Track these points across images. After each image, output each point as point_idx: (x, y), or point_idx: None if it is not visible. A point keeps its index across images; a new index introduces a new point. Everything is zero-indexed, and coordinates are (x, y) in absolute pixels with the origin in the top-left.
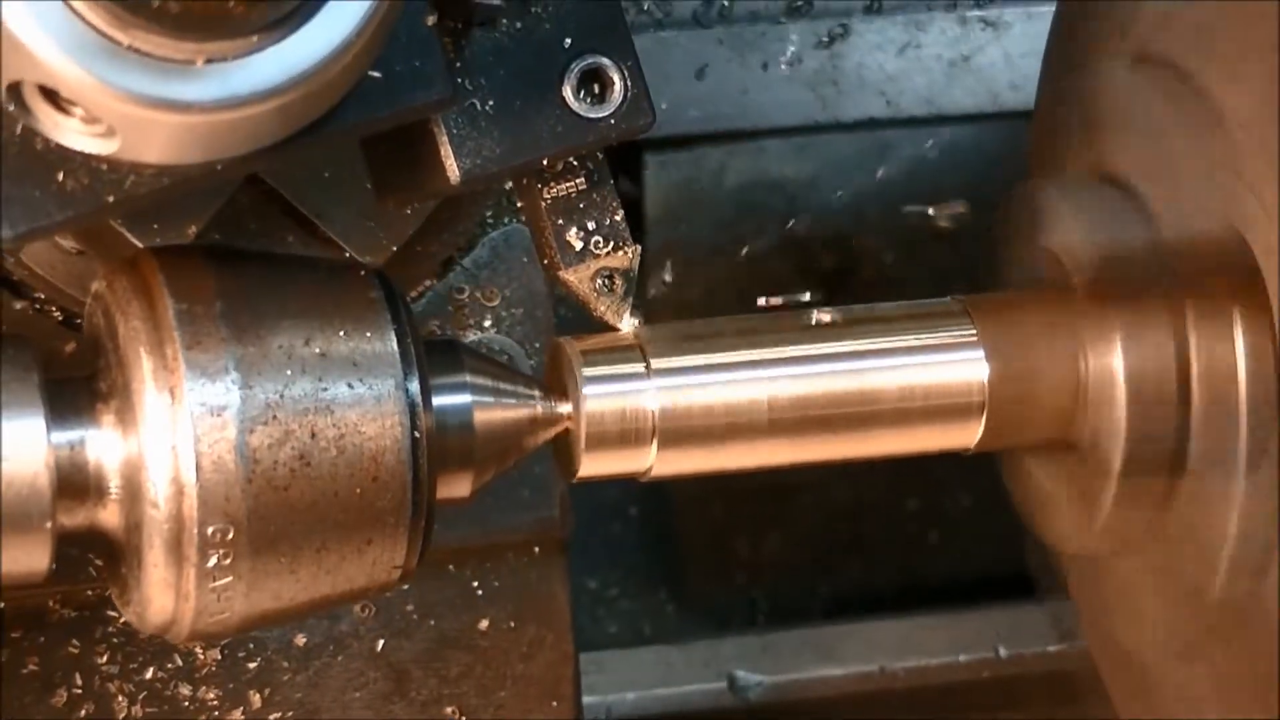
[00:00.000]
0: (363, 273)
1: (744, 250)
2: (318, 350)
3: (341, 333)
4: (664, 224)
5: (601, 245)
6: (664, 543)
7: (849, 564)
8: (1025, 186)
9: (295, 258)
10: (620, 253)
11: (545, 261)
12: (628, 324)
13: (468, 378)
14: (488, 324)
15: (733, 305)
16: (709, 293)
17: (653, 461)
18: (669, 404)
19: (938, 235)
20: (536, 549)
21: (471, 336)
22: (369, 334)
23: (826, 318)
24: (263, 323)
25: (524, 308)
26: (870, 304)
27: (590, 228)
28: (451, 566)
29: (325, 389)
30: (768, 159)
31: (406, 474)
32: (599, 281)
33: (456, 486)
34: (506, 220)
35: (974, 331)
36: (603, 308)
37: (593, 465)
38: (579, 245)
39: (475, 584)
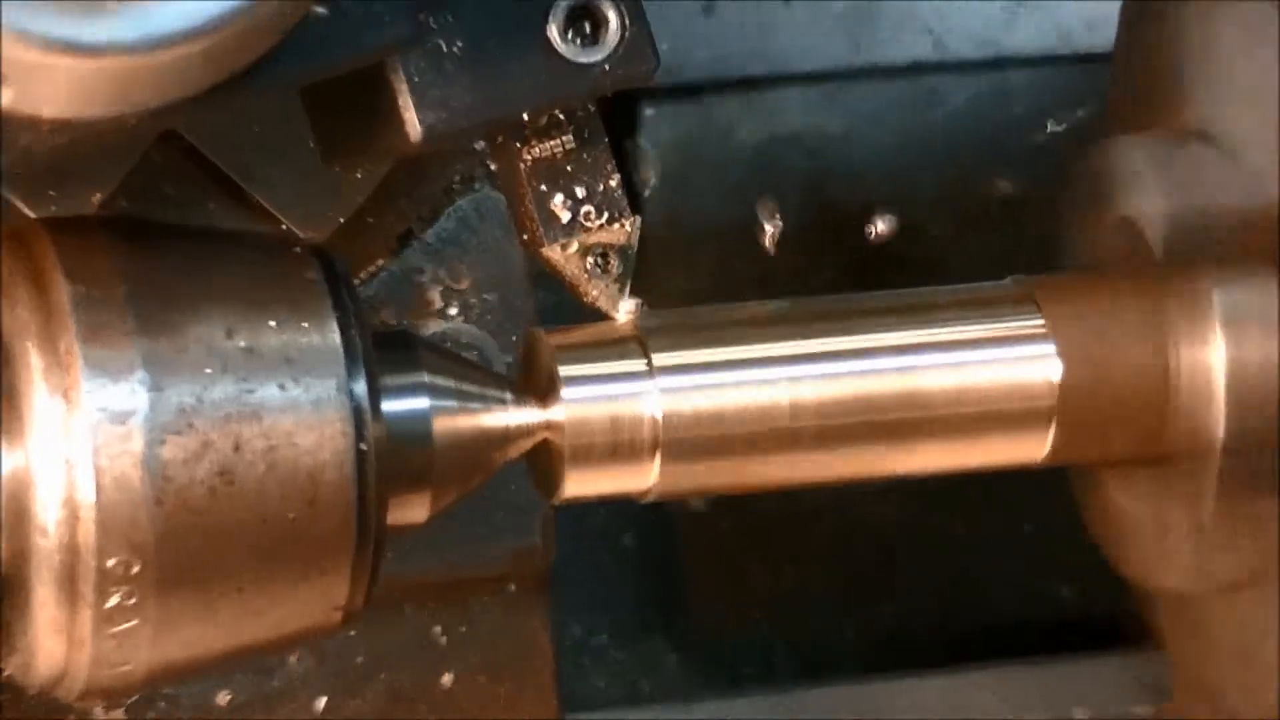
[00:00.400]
0: (299, 250)
1: (761, 223)
2: (243, 344)
3: (272, 322)
4: (664, 191)
5: (593, 216)
6: (663, 578)
7: (886, 604)
8: (1102, 145)
9: (218, 231)
10: (616, 225)
11: (525, 236)
12: (625, 311)
13: (425, 377)
14: (454, 312)
15: (747, 289)
16: (718, 274)
17: (655, 479)
18: (675, 408)
19: (998, 204)
20: (513, 585)
21: (433, 327)
22: (306, 324)
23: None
24: (177, 310)
25: (498, 292)
26: (916, 288)
27: (580, 195)
28: (408, 607)
29: (252, 391)
30: (790, 111)
31: (350, 494)
32: (590, 260)
33: (411, 509)
34: (478, 186)
35: (1042, 320)
36: (595, 292)
37: (578, 484)
38: (566, 216)
39: (438, 628)
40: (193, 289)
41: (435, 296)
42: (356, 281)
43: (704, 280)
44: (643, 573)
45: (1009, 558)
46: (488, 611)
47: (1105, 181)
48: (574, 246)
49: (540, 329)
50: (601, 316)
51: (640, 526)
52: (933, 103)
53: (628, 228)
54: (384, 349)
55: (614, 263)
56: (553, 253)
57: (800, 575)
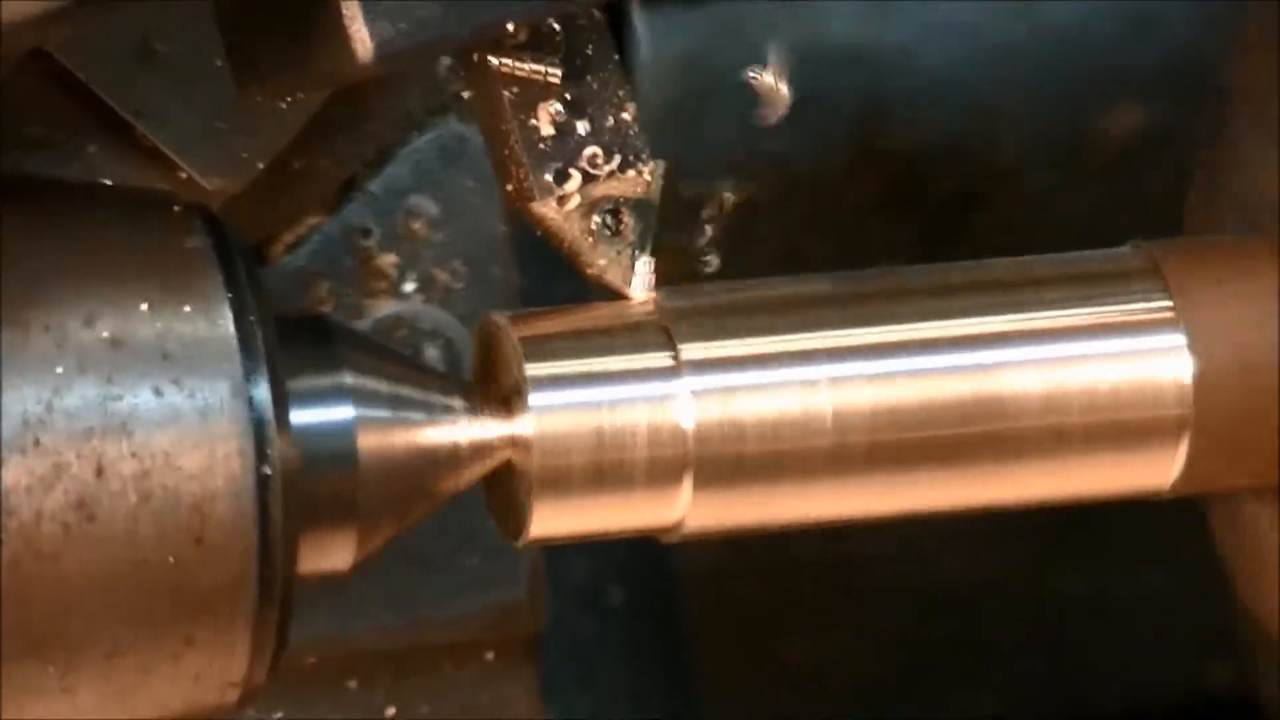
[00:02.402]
0: (177, 209)
1: (796, 169)
2: (106, 334)
3: (144, 306)
4: (666, 126)
5: (601, 160)
6: (664, 647)
7: (967, 687)
8: (1246, 73)
9: (74, 186)
10: (631, 172)
11: (509, 187)
12: (643, 287)
13: (349, 379)
14: (410, 288)
15: (776, 260)
16: (737, 238)
17: (685, 510)
18: (711, 416)
19: (1112, 146)
20: (491, 654)
21: (385, 309)
22: (188, 308)
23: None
24: (20, 291)
25: (471, 261)
26: (1005, 258)
27: (583, 132)
28: (353, 682)
29: (119, 397)
30: (838, 20)
31: (250, 532)
32: (597, 219)
33: (331, 552)
34: (442, 119)
35: (1169, 303)
36: (603, 260)
37: (552, 518)
38: (564, 160)
39: (391, 710)
40: (40, 263)
41: (387, 267)
42: (281, 248)
43: (716, 247)
44: (637, 639)
45: (1134, 623)
46: (459, 687)
47: (1254, 123)
48: (575, 201)
49: (502, 314)
50: (610, 295)
51: (632, 578)
52: (1027, 11)
53: (646, 175)
54: (293, 341)
55: (629, 222)
56: (546, 209)
57: (848, 647)
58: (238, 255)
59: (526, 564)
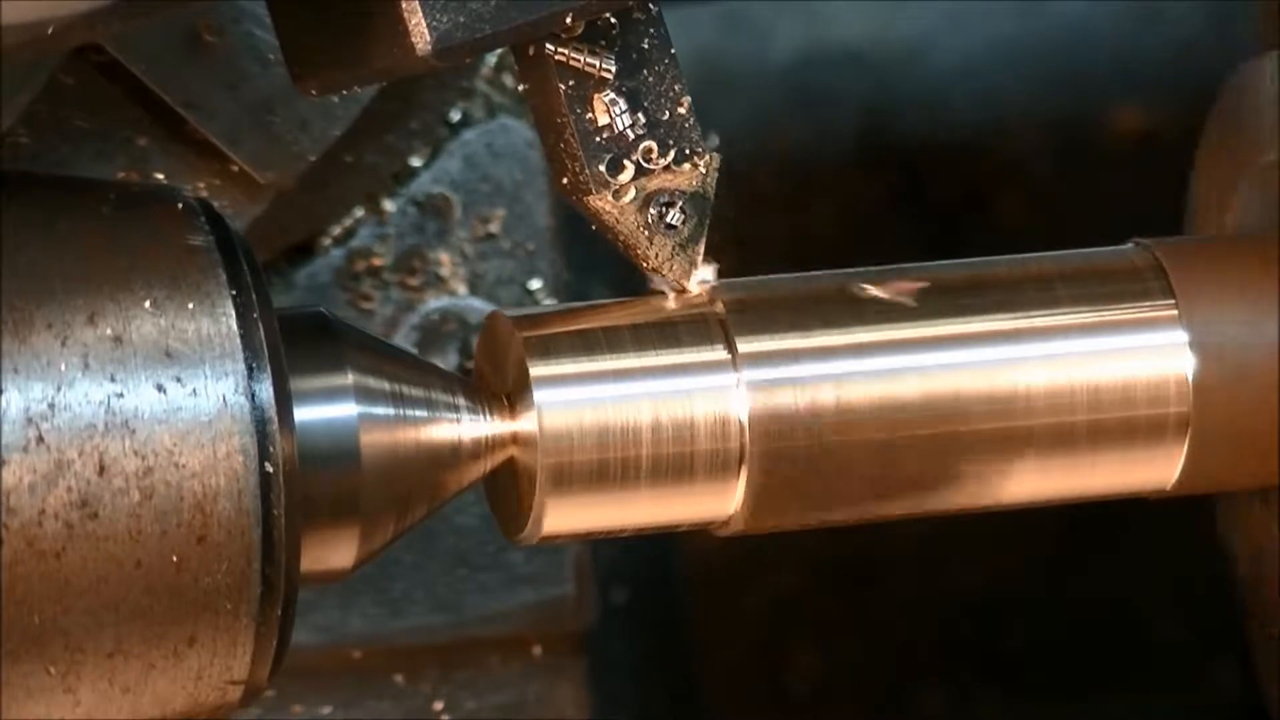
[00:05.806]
0: (181, 205)
1: (801, 164)
2: (110, 332)
3: (148, 303)
4: None
5: (656, 154)
6: (669, 654)
7: (982, 694)
8: (1252, 66)
9: (81, 183)
10: (687, 165)
11: (564, 180)
12: (698, 280)
13: (351, 377)
14: (460, 286)
15: (783, 254)
16: (744, 232)
17: (738, 505)
18: (767, 408)
19: (1120, 143)
20: (538, 649)
21: (433, 302)
22: (192, 305)
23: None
24: (23, 288)
25: (518, 256)
26: (1011, 256)
27: (639, 125)
28: (400, 677)
29: (121, 395)
30: (844, 16)
31: (252, 531)
32: (653, 211)
33: (334, 550)
34: (489, 113)
35: (1172, 300)
36: (658, 254)
37: (562, 516)
38: (619, 154)
39: (438, 705)
40: (43, 260)
41: (434, 260)
42: (329, 240)
43: (721, 242)
44: (639, 646)
45: (1146, 628)
46: (505, 684)
47: (1257, 115)
48: (630, 194)
49: (501, 311)
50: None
51: (635, 581)
52: (1037, 6)
53: (702, 168)
54: (296, 339)
55: (685, 214)
56: (601, 202)
57: (862, 654)
58: (241, 252)
59: (572, 560)
